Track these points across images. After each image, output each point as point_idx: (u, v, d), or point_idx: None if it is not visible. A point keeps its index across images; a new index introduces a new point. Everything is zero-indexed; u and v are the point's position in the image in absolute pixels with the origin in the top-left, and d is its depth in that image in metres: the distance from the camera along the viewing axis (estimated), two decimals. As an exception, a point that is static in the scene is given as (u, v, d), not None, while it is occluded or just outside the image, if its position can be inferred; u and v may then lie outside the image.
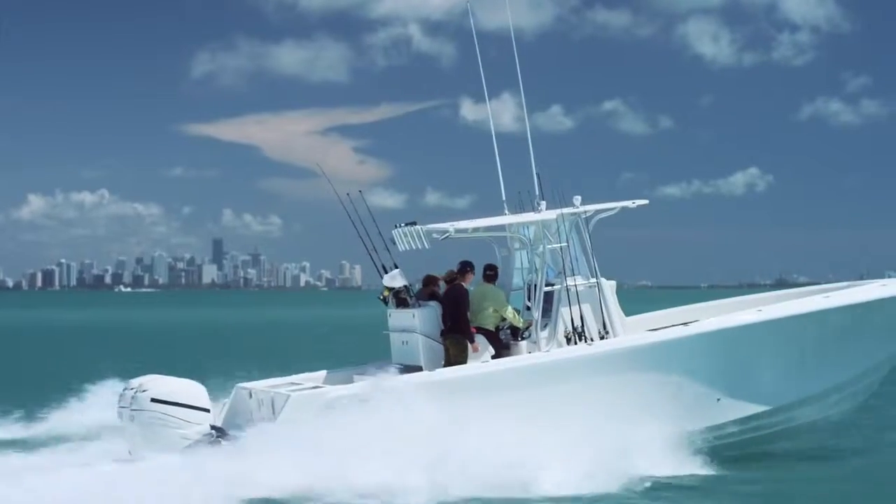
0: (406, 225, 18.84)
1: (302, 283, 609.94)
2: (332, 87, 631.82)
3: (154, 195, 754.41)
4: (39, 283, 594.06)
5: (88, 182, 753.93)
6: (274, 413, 17.26)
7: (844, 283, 21.00)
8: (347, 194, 19.09)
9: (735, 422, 18.72)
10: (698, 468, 17.65)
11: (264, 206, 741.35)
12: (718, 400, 18.52)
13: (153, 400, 17.15)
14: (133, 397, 17.37)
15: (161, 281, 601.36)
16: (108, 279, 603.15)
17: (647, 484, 16.84)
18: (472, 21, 21.47)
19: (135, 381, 17.81)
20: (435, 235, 18.52)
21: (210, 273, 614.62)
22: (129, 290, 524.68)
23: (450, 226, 18.30)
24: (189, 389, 17.56)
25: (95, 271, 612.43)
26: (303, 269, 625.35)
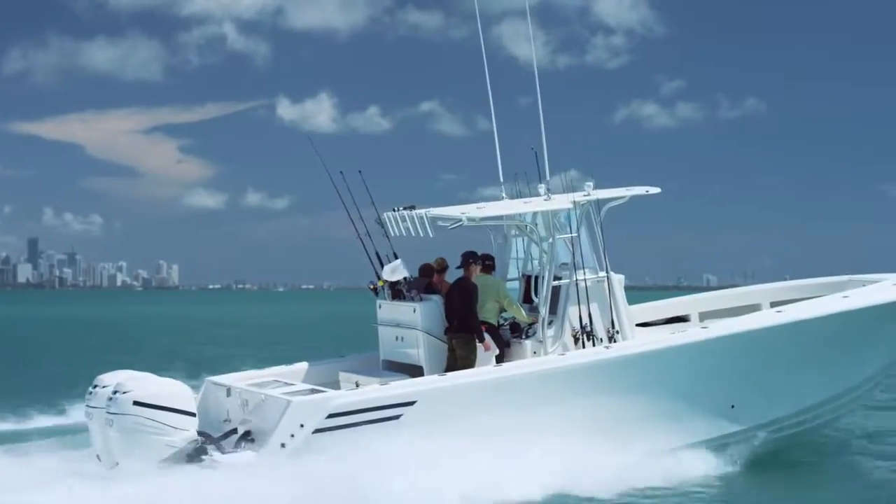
0: (404, 209, 17.10)
1: (118, 283, 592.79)
2: (148, 86, 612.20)
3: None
4: None
5: None
6: (265, 419, 15.34)
7: (858, 277, 19.94)
8: (341, 172, 17.46)
9: (749, 429, 17.48)
10: (710, 476, 16.49)
11: (85, 205, 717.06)
12: (733, 406, 17.29)
13: (136, 403, 14.85)
14: (110, 398, 15.01)
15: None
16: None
17: (656, 494, 15.65)
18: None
19: (108, 378, 15.53)
20: (441, 223, 16.78)
21: (25, 272, 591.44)
22: None
23: (460, 213, 16.55)
24: (175, 391, 15.29)
25: None
26: (119, 269, 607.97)
